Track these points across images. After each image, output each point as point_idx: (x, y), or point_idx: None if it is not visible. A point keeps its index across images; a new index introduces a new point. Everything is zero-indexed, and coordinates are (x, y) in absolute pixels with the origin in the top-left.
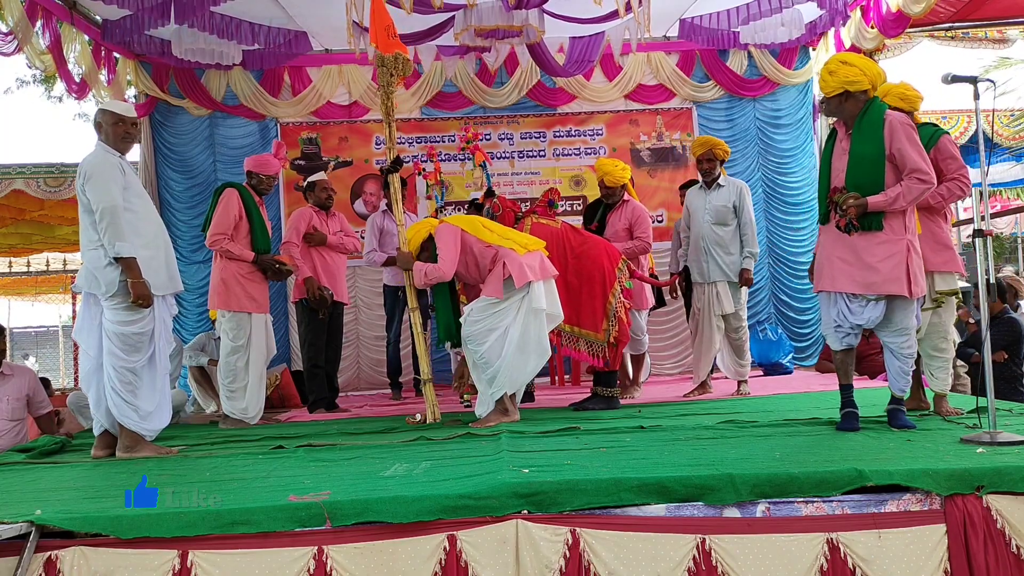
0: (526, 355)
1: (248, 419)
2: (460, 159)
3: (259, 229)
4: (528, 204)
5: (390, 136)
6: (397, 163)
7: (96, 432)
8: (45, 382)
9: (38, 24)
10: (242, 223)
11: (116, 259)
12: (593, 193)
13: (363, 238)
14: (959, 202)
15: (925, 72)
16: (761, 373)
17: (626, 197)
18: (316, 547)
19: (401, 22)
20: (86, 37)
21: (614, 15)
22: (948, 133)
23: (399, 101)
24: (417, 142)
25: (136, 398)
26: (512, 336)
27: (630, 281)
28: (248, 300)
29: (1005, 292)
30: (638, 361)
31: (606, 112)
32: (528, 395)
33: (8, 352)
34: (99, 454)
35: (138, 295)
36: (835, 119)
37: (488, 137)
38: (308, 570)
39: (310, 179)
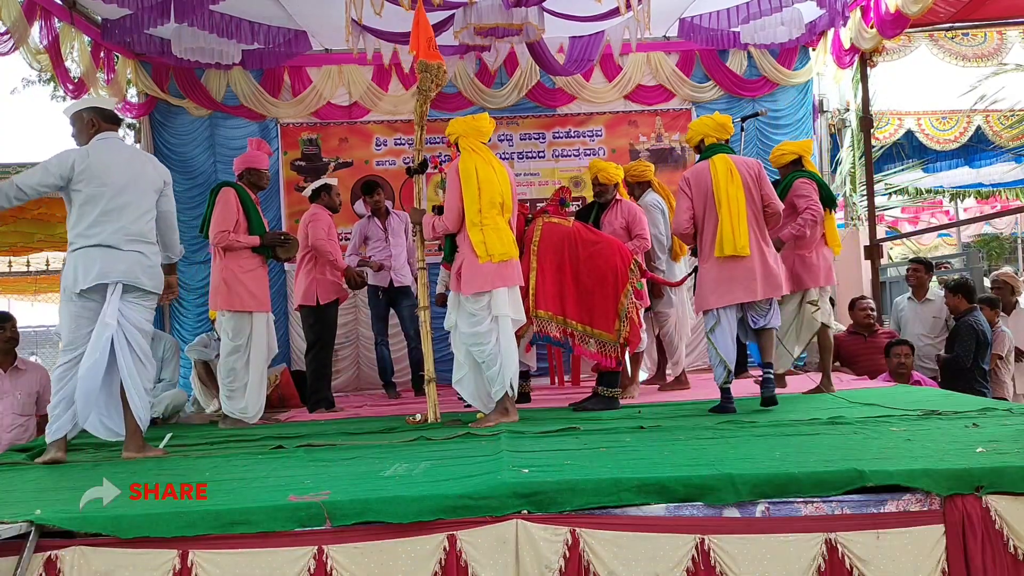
0: (513, 353)
1: (247, 419)
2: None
3: (257, 227)
4: (531, 205)
5: (419, 139)
6: (424, 165)
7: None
8: None
9: (36, 23)
10: (240, 221)
11: None
12: (589, 193)
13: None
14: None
15: (922, 76)
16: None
17: (618, 196)
18: (316, 547)
19: (401, 20)
20: (86, 38)
21: (614, 13)
22: (806, 178)
23: (400, 102)
24: None
25: (61, 399)
26: (505, 333)
27: (641, 282)
28: (250, 298)
29: (972, 292)
30: (636, 359)
31: (605, 113)
32: (524, 396)
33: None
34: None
35: None
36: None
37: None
38: (308, 570)
39: (327, 182)
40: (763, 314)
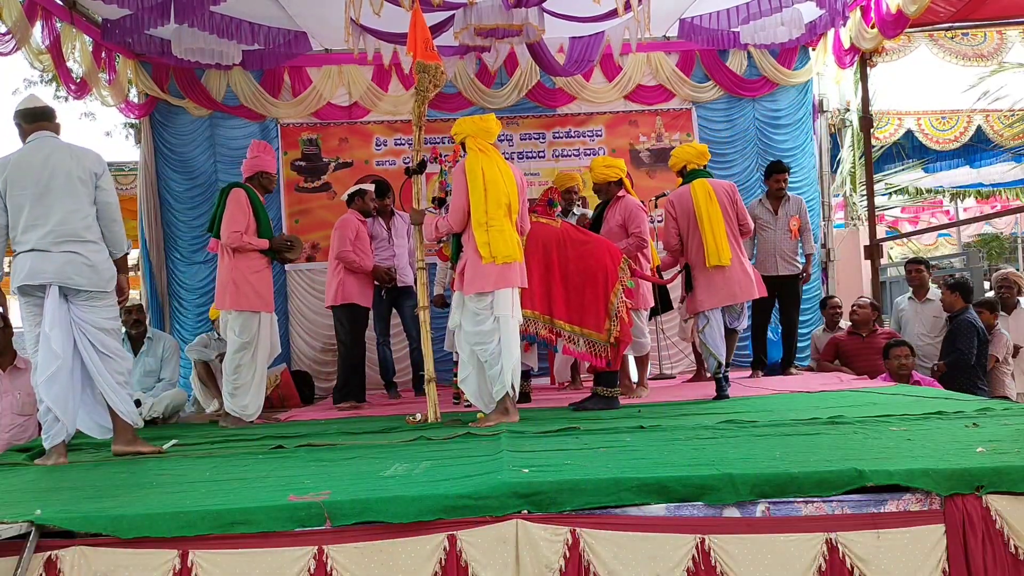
0: (514, 353)
1: (247, 417)
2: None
3: (265, 229)
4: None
5: (418, 140)
6: (422, 165)
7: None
8: None
9: (38, 24)
10: (250, 222)
11: None
12: (592, 194)
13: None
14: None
15: (922, 76)
16: (761, 373)
17: (621, 193)
18: (316, 547)
19: (401, 20)
20: (87, 38)
21: (613, 14)
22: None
23: (400, 102)
24: None
25: (48, 408)
26: (509, 332)
27: (631, 280)
28: (256, 298)
29: (970, 291)
30: (642, 363)
31: (605, 113)
32: (524, 396)
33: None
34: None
35: None
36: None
37: None
38: (308, 570)
39: (362, 187)
40: (736, 317)
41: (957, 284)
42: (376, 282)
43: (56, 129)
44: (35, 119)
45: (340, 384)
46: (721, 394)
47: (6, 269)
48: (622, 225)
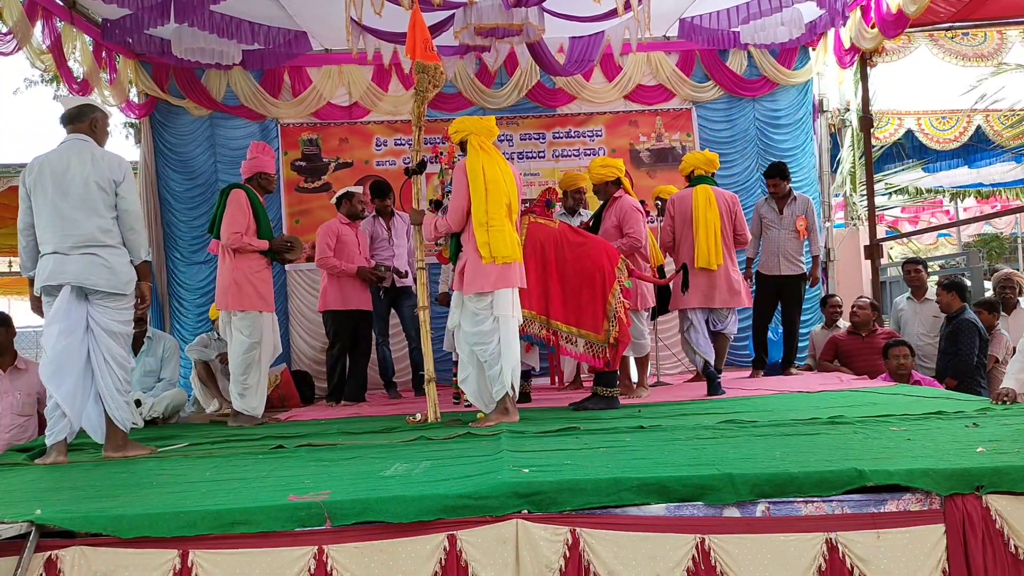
0: (514, 353)
1: (256, 415)
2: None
3: (265, 230)
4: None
5: (418, 140)
6: (422, 165)
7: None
8: None
9: (38, 24)
10: (250, 223)
11: None
12: (591, 194)
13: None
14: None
15: (922, 76)
16: (761, 373)
17: (618, 194)
18: (316, 547)
19: (402, 20)
20: (87, 38)
21: (613, 13)
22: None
23: (400, 102)
24: None
25: (56, 404)
26: (509, 332)
27: (629, 281)
28: (258, 299)
29: (965, 290)
30: (643, 363)
31: (605, 113)
32: (524, 396)
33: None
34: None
35: None
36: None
37: None
38: (308, 570)
39: (349, 189)
40: (722, 320)
41: (953, 284)
42: (366, 282)
43: (86, 128)
44: (68, 122)
45: (330, 391)
46: (713, 387)
47: (7, 268)
48: (617, 226)
